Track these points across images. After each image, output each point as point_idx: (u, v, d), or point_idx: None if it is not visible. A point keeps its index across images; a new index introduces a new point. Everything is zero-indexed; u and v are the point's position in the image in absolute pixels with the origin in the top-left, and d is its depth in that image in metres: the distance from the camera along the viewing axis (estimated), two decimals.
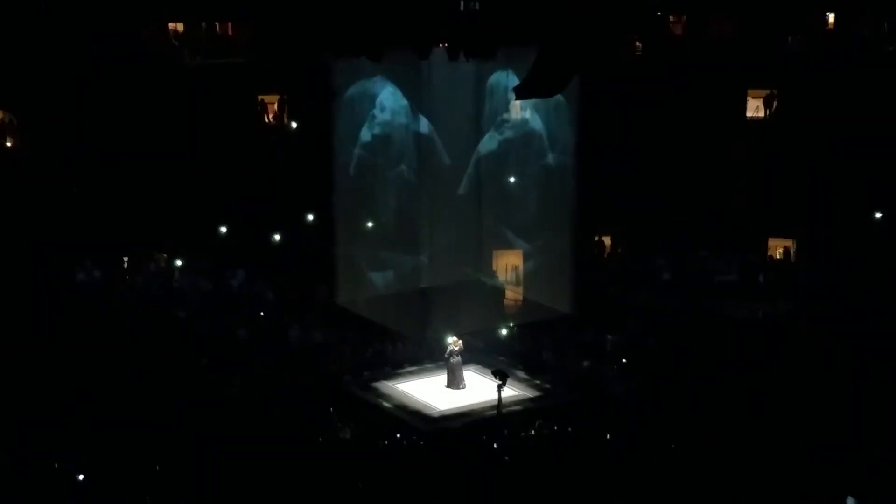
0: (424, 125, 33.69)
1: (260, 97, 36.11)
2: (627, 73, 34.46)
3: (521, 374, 30.19)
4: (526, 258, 36.02)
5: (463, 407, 28.48)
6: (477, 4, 28.45)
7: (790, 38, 35.28)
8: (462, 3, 28.39)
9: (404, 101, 33.75)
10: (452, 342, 29.63)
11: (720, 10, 35.65)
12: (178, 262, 34.57)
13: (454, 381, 29.63)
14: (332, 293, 33.42)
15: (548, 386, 29.71)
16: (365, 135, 34.00)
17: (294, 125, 36.12)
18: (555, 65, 26.54)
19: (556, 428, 25.67)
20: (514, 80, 31.74)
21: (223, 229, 34.84)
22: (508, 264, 36.58)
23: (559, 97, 32.42)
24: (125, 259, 34.50)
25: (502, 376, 24.52)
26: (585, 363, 30.37)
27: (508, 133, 34.93)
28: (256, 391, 27.56)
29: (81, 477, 22.29)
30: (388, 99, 33.87)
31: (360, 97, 33.67)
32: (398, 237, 34.28)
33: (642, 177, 34.36)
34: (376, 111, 34.01)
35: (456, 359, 29.66)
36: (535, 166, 34.76)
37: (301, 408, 26.74)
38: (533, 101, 33.27)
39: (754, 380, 27.90)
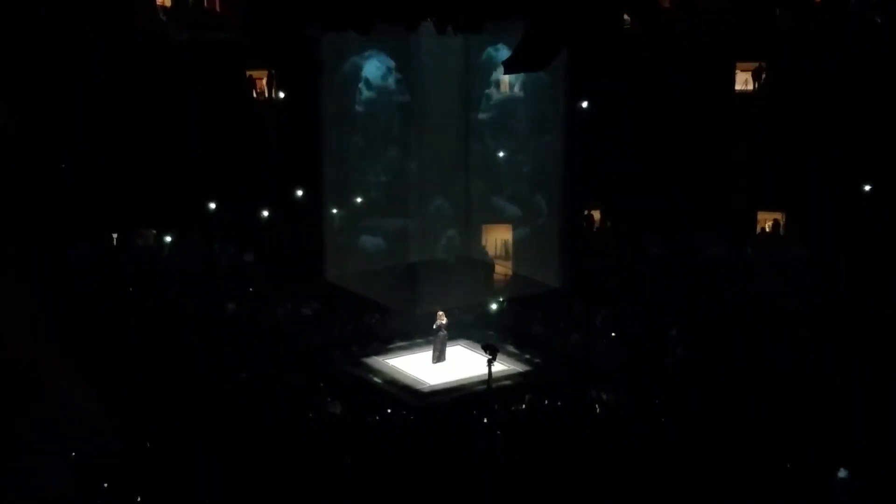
0: (413, 99, 33.52)
1: (248, 73, 35.92)
2: (616, 46, 34.32)
3: (511, 348, 30.27)
4: (515, 233, 36.00)
5: (453, 381, 28.56)
6: None
7: (779, 11, 35.14)
8: None
9: (392, 75, 33.58)
10: (438, 316, 29.72)
11: None
12: (168, 238, 34.48)
13: (437, 356, 29.78)
14: (321, 268, 33.37)
15: (537, 360, 29.80)
16: (353, 109, 33.84)
17: (282, 98, 35.90)
18: (543, 39, 26.45)
19: (546, 402, 25.76)
20: (503, 55, 31.66)
21: (212, 205, 34.69)
22: (498, 239, 36.56)
23: (547, 71, 32.37)
24: (114, 235, 34.37)
25: (492, 351, 24.52)
26: (575, 337, 30.45)
27: (498, 108, 34.79)
28: (245, 367, 27.58)
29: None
30: (376, 73, 33.69)
31: (348, 71, 33.51)
32: (387, 212, 34.22)
33: (631, 151, 34.34)
34: (363, 86, 33.84)
35: (442, 333, 29.76)
36: (525, 141, 34.68)
37: (290, 383, 26.77)
38: (522, 75, 33.21)
39: (744, 353, 28.01)
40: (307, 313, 31.74)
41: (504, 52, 31.83)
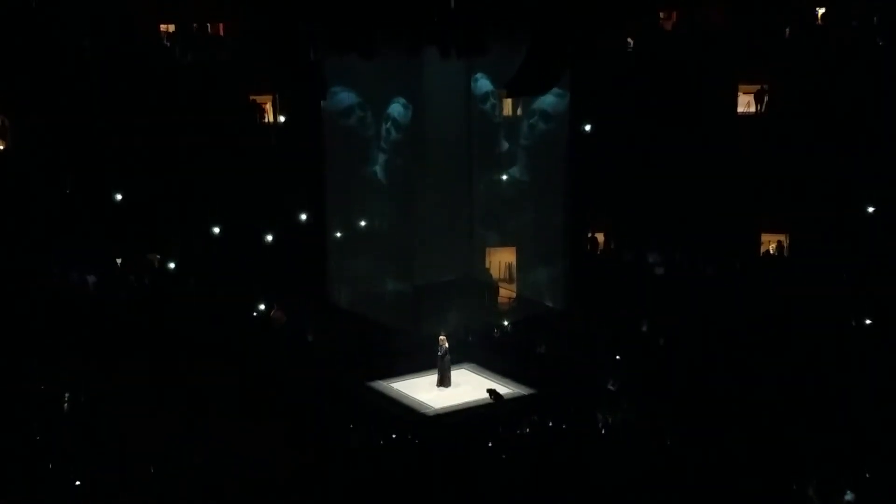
0: (416, 122, 33.56)
1: (252, 97, 35.96)
2: (619, 68, 34.50)
3: (515, 370, 30.26)
4: (519, 255, 36.00)
5: (458, 405, 28.52)
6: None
7: (780, 33, 35.24)
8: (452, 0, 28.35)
9: (395, 99, 33.58)
10: (441, 341, 29.76)
11: (710, 2, 35.56)
12: (171, 264, 34.44)
13: (442, 379, 29.81)
14: (326, 292, 33.35)
15: (542, 382, 29.72)
16: (358, 133, 33.86)
17: (285, 124, 35.89)
18: (545, 62, 26.62)
19: (551, 424, 25.72)
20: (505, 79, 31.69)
21: (216, 229, 34.65)
22: (502, 261, 36.58)
23: (552, 92, 32.57)
24: (118, 260, 34.36)
25: (496, 396, 24.79)
26: (579, 359, 30.40)
27: (500, 131, 34.83)
28: (250, 390, 27.57)
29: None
30: (380, 97, 33.68)
31: (351, 95, 33.56)
32: (392, 235, 34.21)
33: (634, 173, 34.42)
34: (367, 109, 33.86)
35: (446, 357, 29.78)
36: (528, 163, 34.73)
37: (295, 406, 26.75)
38: (524, 97, 33.30)
39: (749, 374, 28.00)
40: (311, 336, 31.72)
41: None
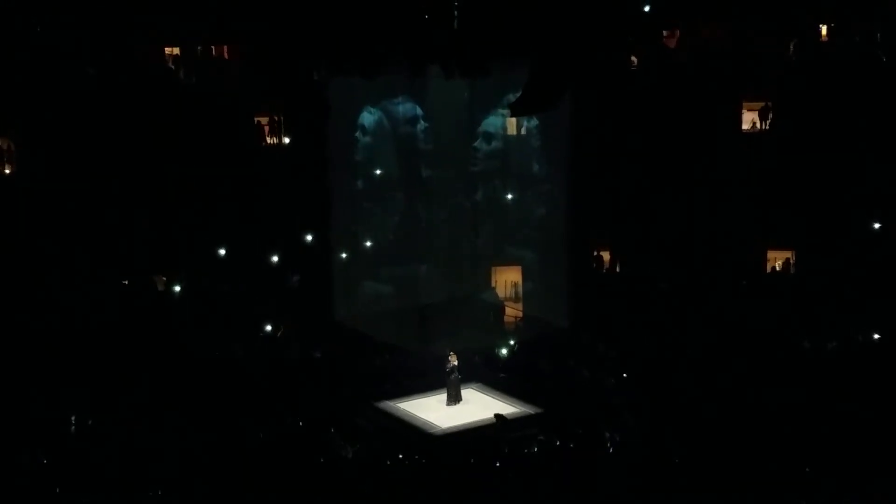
0: (420, 142, 33.68)
1: (256, 118, 36.07)
2: (622, 87, 34.53)
3: (522, 389, 30.20)
4: (525, 274, 35.99)
5: (465, 424, 28.46)
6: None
7: (783, 50, 35.28)
8: (455, 21, 28.47)
9: (399, 118, 33.72)
10: (450, 358, 29.74)
11: (713, 20, 35.61)
12: (177, 285, 34.49)
13: (451, 397, 29.76)
14: (332, 311, 33.34)
15: (549, 401, 29.67)
16: (360, 153, 33.99)
17: (290, 145, 35.95)
18: (549, 80, 26.70)
19: (558, 443, 25.65)
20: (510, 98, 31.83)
21: (222, 251, 34.70)
22: (508, 280, 36.57)
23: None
24: (124, 282, 34.42)
25: (503, 421, 24.82)
26: (586, 377, 30.35)
27: (504, 150, 34.89)
28: (257, 411, 27.53)
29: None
30: (382, 117, 33.83)
31: (355, 114, 33.70)
32: (397, 254, 34.25)
33: (639, 190, 34.44)
34: (370, 130, 33.99)
35: (454, 375, 29.74)
36: (532, 182, 34.78)
37: (301, 427, 26.71)
38: (527, 116, 33.38)
39: (755, 390, 27.93)
40: (317, 356, 31.71)
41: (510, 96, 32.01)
